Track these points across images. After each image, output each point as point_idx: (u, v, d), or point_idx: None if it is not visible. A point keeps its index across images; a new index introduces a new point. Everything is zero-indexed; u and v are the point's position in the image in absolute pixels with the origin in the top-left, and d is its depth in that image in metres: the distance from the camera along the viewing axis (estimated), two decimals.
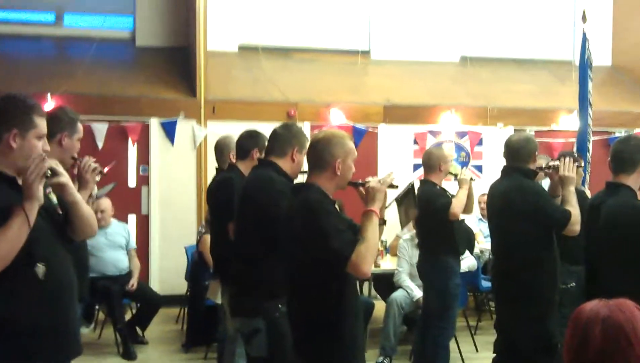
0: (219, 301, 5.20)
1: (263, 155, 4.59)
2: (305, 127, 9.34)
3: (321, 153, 3.38)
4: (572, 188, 4.64)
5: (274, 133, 4.20)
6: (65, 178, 3.07)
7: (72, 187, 3.13)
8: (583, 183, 6.86)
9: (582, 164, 5.64)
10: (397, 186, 3.40)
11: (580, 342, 1.91)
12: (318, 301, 3.30)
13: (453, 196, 5.87)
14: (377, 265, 7.20)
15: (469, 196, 5.94)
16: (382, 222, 3.42)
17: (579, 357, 1.89)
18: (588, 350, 1.87)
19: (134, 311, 7.79)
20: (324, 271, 3.24)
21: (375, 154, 9.85)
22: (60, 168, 3.05)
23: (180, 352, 7.19)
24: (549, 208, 4.60)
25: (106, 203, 7.28)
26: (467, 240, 6.43)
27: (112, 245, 7.32)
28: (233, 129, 5.59)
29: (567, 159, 4.67)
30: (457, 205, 5.72)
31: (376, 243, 3.24)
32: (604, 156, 8.51)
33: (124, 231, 7.58)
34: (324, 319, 3.29)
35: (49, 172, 2.89)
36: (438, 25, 11.11)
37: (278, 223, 3.55)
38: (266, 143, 4.65)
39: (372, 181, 3.32)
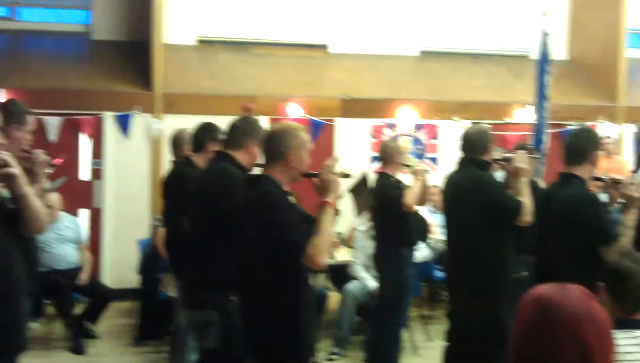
0: (172, 294, 5.17)
1: (219, 148, 4.58)
2: (263, 121, 9.28)
3: (275, 145, 3.40)
4: (525, 180, 4.70)
5: (232, 126, 4.22)
6: (16, 169, 3.02)
7: (23, 179, 3.08)
8: (538, 175, 6.96)
9: (536, 156, 5.72)
10: (350, 176, 3.42)
11: (532, 327, 1.82)
12: (273, 293, 3.31)
13: (409, 187, 5.91)
14: (332, 257, 7.21)
15: (424, 188, 5.98)
16: (337, 212, 3.43)
17: (528, 341, 1.81)
18: (539, 337, 1.78)
19: (84, 305, 7.70)
20: (279, 264, 3.25)
21: (332, 148, 9.85)
22: (11, 160, 3.00)
23: (132, 346, 7.13)
24: (502, 198, 4.65)
25: (54, 198, 7.17)
26: (421, 230, 6.49)
27: (61, 239, 7.24)
28: (190, 123, 5.54)
29: (521, 151, 4.74)
30: (410, 196, 5.76)
31: (332, 235, 3.28)
32: (559, 148, 8.63)
33: (73, 225, 7.51)
34: (278, 312, 3.30)
35: (0, 162, 2.84)
36: (397, 19, 11.12)
37: (232, 216, 3.54)
38: (222, 136, 4.65)
39: (324, 172, 3.32)
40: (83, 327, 7.31)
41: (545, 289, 1.83)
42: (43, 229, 3.28)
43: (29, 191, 3.12)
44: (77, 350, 6.89)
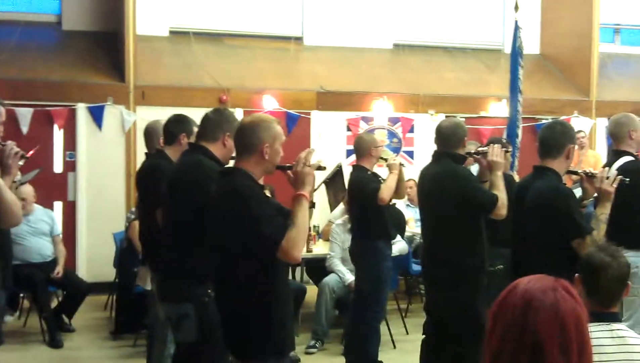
0: (148, 287, 5.13)
1: (192, 140, 4.53)
2: (238, 113, 9.23)
3: (248, 138, 3.36)
4: (499, 173, 4.71)
5: (205, 118, 4.16)
6: None
7: None
8: (512, 168, 6.99)
9: (510, 150, 5.74)
10: (325, 168, 3.40)
11: (505, 320, 1.75)
12: (247, 287, 3.28)
13: (384, 181, 5.91)
14: (309, 250, 7.22)
15: (400, 181, 5.98)
16: (312, 205, 3.43)
17: (508, 344, 1.72)
18: (523, 337, 1.70)
19: (59, 299, 7.64)
20: (253, 257, 3.22)
21: (308, 141, 9.84)
22: None
23: (108, 339, 7.09)
24: (477, 192, 4.66)
25: (27, 190, 7.07)
26: (398, 224, 6.49)
27: (35, 232, 7.18)
28: (163, 115, 5.49)
29: (496, 145, 4.75)
30: (385, 190, 5.76)
31: (306, 228, 3.24)
32: (532, 141, 8.69)
33: (47, 217, 7.42)
34: (253, 305, 3.27)
35: None
36: (371, 12, 11.13)
37: (205, 208, 3.51)
38: (194, 128, 4.60)
39: (298, 164, 3.30)
40: (59, 320, 7.25)
41: (521, 282, 1.81)
42: (17, 222, 3.23)
43: (1, 184, 3.07)
44: (54, 343, 6.83)
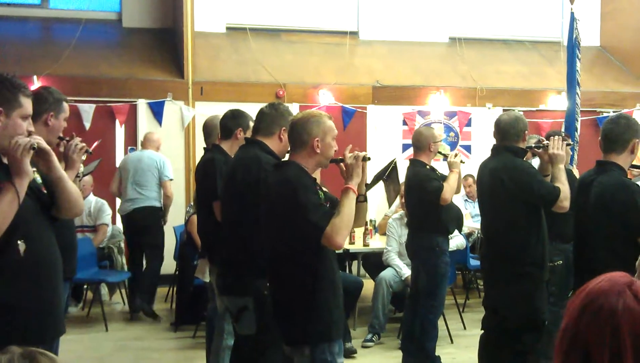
0: (206, 279, 5.19)
1: (248, 135, 4.57)
2: (294, 108, 9.29)
3: (299, 133, 3.48)
4: (561, 166, 4.63)
5: (261, 113, 4.19)
6: (49, 149, 3.05)
7: (57, 161, 3.11)
8: (571, 162, 6.88)
9: (571, 143, 5.64)
10: (369, 158, 3.46)
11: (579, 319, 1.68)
12: (295, 273, 3.40)
13: (442, 175, 5.87)
14: (366, 244, 7.22)
15: (458, 178, 5.94)
16: (364, 199, 3.54)
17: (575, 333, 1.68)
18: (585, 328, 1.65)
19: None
20: (300, 245, 3.35)
21: (364, 135, 9.84)
22: (44, 143, 3.02)
23: (169, 330, 7.22)
24: (539, 185, 4.58)
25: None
26: (456, 219, 6.43)
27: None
28: (221, 110, 5.56)
29: (557, 138, 4.67)
30: (448, 190, 5.70)
31: (351, 217, 3.33)
32: (592, 135, 8.53)
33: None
34: (300, 291, 3.39)
35: (35, 145, 2.87)
36: (427, 5, 11.07)
37: (262, 201, 3.59)
38: (250, 123, 4.63)
39: (348, 157, 3.41)
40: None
41: (593, 282, 1.77)
42: (79, 212, 3.30)
43: (64, 174, 3.15)
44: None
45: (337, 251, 3.59)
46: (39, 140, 2.95)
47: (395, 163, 3.81)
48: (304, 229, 3.28)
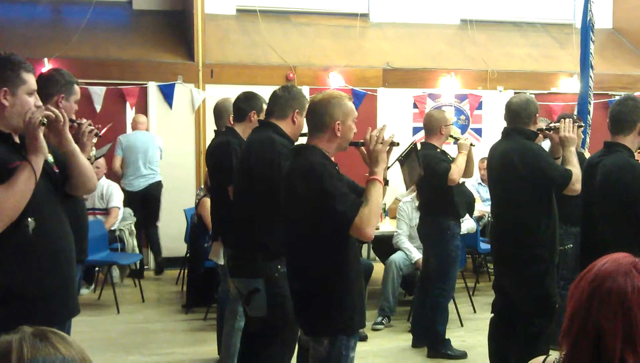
0: (221, 262, 5.20)
1: (261, 117, 4.57)
2: (304, 91, 9.26)
3: (320, 115, 3.35)
4: (572, 149, 4.61)
5: (274, 95, 4.16)
6: (59, 114, 3.04)
7: (68, 132, 3.11)
8: (583, 145, 6.86)
9: (583, 126, 5.61)
10: (398, 144, 3.35)
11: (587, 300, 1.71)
12: (318, 263, 3.30)
13: (454, 159, 5.86)
14: (376, 228, 7.20)
15: (469, 161, 5.92)
16: (386, 183, 3.41)
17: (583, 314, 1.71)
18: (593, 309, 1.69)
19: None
20: (326, 234, 3.24)
21: (374, 118, 9.81)
22: (53, 111, 3.02)
23: (180, 312, 7.25)
24: (550, 167, 4.56)
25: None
26: (468, 203, 6.42)
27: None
28: (231, 93, 5.56)
29: (568, 120, 4.65)
30: (455, 171, 5.70)
31: (380, 206, 3.25)
32: (603, 118, 8.49)
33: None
34: (323, 281, 3.30)
35: (45, 120, 2.88)
36: None
37: (278, 184, 3.54)
38: (264, 105, 4.63)
39: (371, 142, 3.26)
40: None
41: (597, 263, 1.77)
42: (93, 187, 3.30)
43: (76, 148, 3.16)
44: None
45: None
46: (48, 113, 2.95)
47: (415, 146, 3.78)
48: (331, 218, 3.16)
